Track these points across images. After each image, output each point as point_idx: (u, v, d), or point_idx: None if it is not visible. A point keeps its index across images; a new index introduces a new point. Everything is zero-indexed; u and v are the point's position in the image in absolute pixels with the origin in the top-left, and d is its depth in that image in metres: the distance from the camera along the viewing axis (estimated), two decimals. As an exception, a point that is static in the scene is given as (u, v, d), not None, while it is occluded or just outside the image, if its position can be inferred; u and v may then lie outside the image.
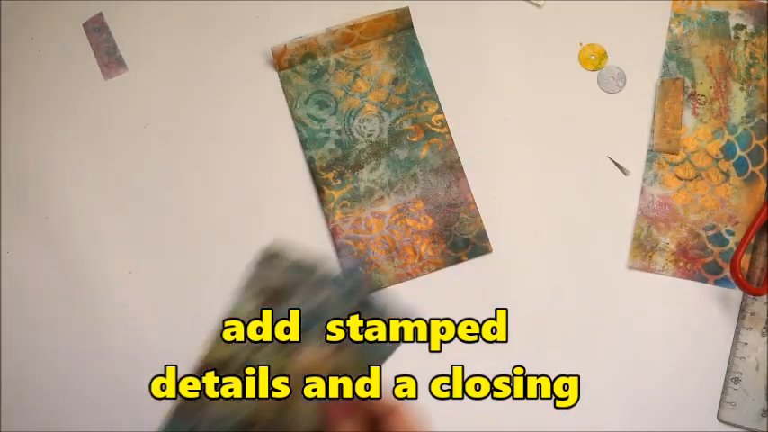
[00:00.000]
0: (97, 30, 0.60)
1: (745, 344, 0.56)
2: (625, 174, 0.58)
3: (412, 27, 0.59)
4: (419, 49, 0.59)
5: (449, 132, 0.59)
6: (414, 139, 0.59)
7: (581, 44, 0.60)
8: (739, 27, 0.59)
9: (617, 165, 0.58)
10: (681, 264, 0.57)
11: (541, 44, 0.60)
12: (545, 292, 0.57)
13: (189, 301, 0.57)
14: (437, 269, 0.58)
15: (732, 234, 0.57)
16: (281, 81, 0.59)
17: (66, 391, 0.57)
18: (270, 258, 0.38)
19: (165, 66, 0.60)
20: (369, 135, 0.59)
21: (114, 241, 0.58)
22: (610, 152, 0.59)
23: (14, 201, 0.58)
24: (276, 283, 0.38)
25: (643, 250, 0.57)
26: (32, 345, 0.57)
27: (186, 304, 0.57)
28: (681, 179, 0.58)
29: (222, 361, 0.38)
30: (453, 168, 0.58)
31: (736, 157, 0.58)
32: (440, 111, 0.59)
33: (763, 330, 0.56)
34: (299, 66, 0.59)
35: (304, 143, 0.59)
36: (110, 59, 0.60)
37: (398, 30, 0.59)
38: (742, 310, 0.57)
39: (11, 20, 0.60)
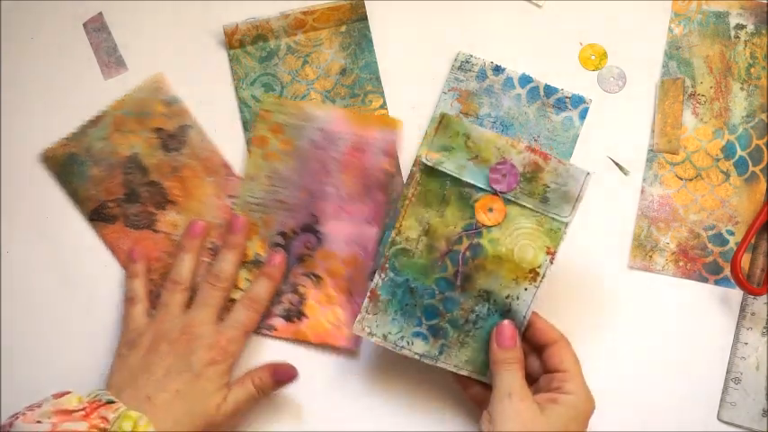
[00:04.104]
0: (97, 30, 0.60)
1: (746, 344, 0.56)
2: (625, 174, 0.58)
3: (366, 19, 0.59)
4: (371, 42, 0.59)
5: None
6: None
7: (581, 44, 0.60)
8: (739, 27, 0.59)
9: (617, 165, 0.58)
10: (681, 264, 0.57)
11: (541, 44, 0.59)
12: (544, 291, 0.57)
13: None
14: None
15: (732, 234, 0.57)
16: (230, 60, 0.59)
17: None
18: None
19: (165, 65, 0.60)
20: None
21: (114, 241, 0.58)
22: (610, 152, 0.59)
23: (14, 200, 0.58)
24: None
25: (643, 250, 0.57)
26: (32, 344, 0.57)
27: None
28: (681, 179, 0.58)
29: None
30: None
31: (737, 157, 0.58)
32: (383, 106, 0.59)
33: (764, 330, 0.56)
34: (250, 46, 0.59)
35: (245, 124, 0.59)
36: (110, 59, 0.60)
37: (352, 20, 0.59)
38: (742, 310, 0.57)
39: (11, 20, 0.60)
